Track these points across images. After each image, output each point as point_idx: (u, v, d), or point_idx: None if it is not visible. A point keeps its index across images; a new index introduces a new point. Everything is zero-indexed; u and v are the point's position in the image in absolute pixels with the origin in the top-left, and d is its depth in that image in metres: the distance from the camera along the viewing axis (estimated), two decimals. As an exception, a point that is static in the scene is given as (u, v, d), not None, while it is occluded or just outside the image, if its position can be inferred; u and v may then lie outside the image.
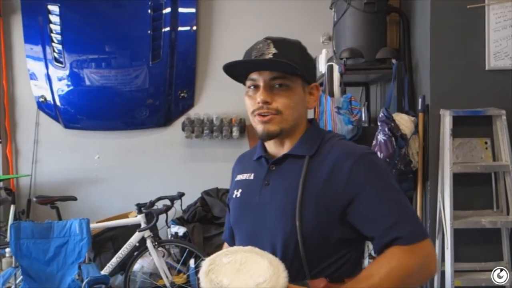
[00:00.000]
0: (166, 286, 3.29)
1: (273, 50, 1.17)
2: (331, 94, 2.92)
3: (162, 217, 3.35)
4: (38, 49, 4.18)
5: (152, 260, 3.36)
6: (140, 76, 4.10)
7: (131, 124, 4.22)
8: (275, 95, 1.18)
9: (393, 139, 2.61)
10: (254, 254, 1.06)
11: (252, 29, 3.92)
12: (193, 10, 4.13)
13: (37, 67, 4.21)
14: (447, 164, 2.55)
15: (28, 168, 4.22)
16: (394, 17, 3.07)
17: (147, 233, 3.27)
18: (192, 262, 3.52)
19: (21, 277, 2.84)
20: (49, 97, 4.21)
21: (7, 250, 3.40)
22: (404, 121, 2.69)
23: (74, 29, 4.13)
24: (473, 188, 2.67)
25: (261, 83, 1.18)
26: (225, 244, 1.41)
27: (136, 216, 3.38)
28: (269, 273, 1.00)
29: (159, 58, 4.08)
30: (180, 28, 4.13)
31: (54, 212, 3.40)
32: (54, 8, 4.08)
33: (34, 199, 3.52)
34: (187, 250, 3.50)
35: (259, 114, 1.19)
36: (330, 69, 2.93)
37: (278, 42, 1.19)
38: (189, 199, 3.84)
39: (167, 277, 3.28)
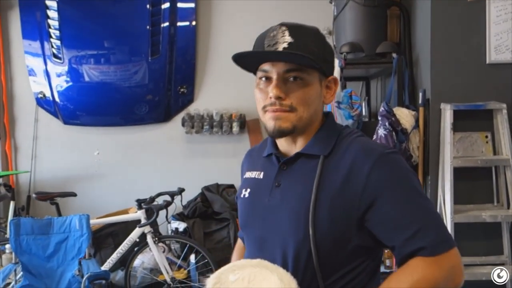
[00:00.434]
0: (166, 281, 3.29)
1: (288, 38, 1.05)
2: (331, 88, 2.91)
3: (162, 213, 3.34)
4: (36, 45, 4.15)
5: (152, 256, 3.36)
6: (139, 72, 4.08)
7: (130, 120, 4.21)
8: (289, 89, 1.07)
9: (393, 133, 2.60)
10: (264, 269, 0.97)
11: (252, 23, 3.89)
12: (192, 5, 4.11)
13: (36, 63, 4.19)
14: (448, 158, 2.54)
15: (27, 164, 4.22)
16: (395, 10, 3.06)
17: (147, 229, 3.27)
18: (192, 258, 3.52)
19: (21, 273, 2.84)
20: (48, 93, 4.19)
21: (7, 246, 3.39)
22: (404, 116, 2.69)
23: (72, 24, 4.10)
24: (473, 182, 2.67)
25: (274, 76, 1.07)
26: (239, 240, 1.36)
27: (136, 212, 3.37)
28: None
29: (158, 54, 4.06)
30: (179, 23, 4.11)
31: (54, 208, 3.39)
32: (52, 4, 4.05)
33: (34, 195, 3.51)
34: (188, 245, 3.50)
35: (271, 110, 1.07)
36: (330, 63, 2.92)
37: (294, 29, 1.07)
38: (189, 195, 3.83)
39: (167, 272, 3.28)
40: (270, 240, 1.10)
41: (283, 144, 1.16)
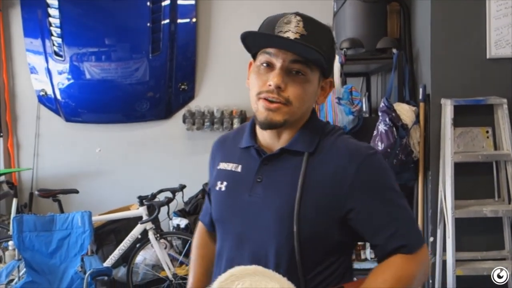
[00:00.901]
0: (168, 277, 3.30)
1: (302, 30, 1.03)
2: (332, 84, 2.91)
3: (164, 209, 3.36)
4: (37, 42, 4.16)
5: (154, 252, 3.38)
6: (140, 69, 4.09)
7: (131, 117, 4.22)
8: (290, 81, 1.04)
9: (394, 129, 2.61)
10: (262, 277, 0.98)
11: (252, 20, 3.88)
12: (192, 2, 4.10)
13: (37, 60, 4.20)
14: (448, 154, 2.54)
15: (29, 162, 4.23)
16: (395, 6, 3.05)
17: (149, 225, 3.28)
18: (194, 254, 3.53)
19: (24, 269, 2.86)
20: (49, 91, 4.20)
21: (10, 243, 3.41)
22: (405, 111, 2.69)
23: (73, 22, 4.11)
24: (474, 178, 2.67)
25: (278, 64, 1.04)
26: (200, 224, 1.33)
27: (138, 209, 3.39)
28: None
29: (159, 51, 4.07)
30: (179, 20, 4.11)
31: (56, 205, 3.41)
32: (53, 2, 4.05)
33: (36, 193, 3.53)
34: (189, 241, 3.51)
35: (266, 99, 1.05)
36: (330, 59, 2.92)
37: (309, 22, 1.05)
38: (190, 191, 3.84)
39: (169, 268, 3.30)
40: (251, 237, 1.10)
41: (265, 137, 1.13)
